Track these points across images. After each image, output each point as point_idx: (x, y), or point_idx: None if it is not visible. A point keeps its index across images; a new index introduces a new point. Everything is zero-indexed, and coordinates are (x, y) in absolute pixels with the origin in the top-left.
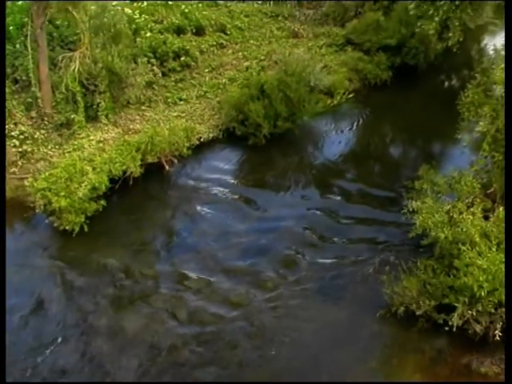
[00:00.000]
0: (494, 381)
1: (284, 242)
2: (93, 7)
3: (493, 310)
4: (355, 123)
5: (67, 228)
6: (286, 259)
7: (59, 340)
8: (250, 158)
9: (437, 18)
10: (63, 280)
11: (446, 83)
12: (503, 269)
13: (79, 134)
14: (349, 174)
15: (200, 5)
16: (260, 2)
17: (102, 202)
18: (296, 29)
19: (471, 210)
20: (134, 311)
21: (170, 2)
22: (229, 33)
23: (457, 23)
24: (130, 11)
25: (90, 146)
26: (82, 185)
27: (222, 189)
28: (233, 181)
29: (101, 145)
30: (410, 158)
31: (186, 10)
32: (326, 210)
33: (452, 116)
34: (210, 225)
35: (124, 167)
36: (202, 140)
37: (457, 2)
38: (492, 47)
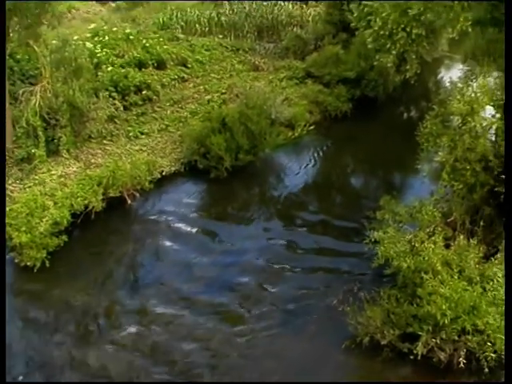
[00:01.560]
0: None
1: (247, 275)
2: (54, 41)
3: (456, 338)
4: (316, 155)
5: (28, 264)
6: (249, 292)
7: (20, 378)
8: (212, 191)
9: (394, 52)
10: (24, 316)
11: (405, 114)
12: (466, 296)
13: (40, 169)
14: (311, 205)
15: (161, 39)
16: (221, 36)
17: (64, 237)
18: (257, 62)
19: (432, 238)
20: (96, 346)
21: (132, 37)
22: (190, 66)
23: (413, 56)
24: (91, 45)
25: (51, 180)
26: (43, 220)
27: (184, 222)
28: (195, 214)
29: (62, 179)
30: (372, 188)
31: (147, 44)
32: (289, 241)
33: (411, 146)
34: (173, 259)
35: (86, 201)
36: (163, 173)
37: (413, 36)
38: (448, 79)
